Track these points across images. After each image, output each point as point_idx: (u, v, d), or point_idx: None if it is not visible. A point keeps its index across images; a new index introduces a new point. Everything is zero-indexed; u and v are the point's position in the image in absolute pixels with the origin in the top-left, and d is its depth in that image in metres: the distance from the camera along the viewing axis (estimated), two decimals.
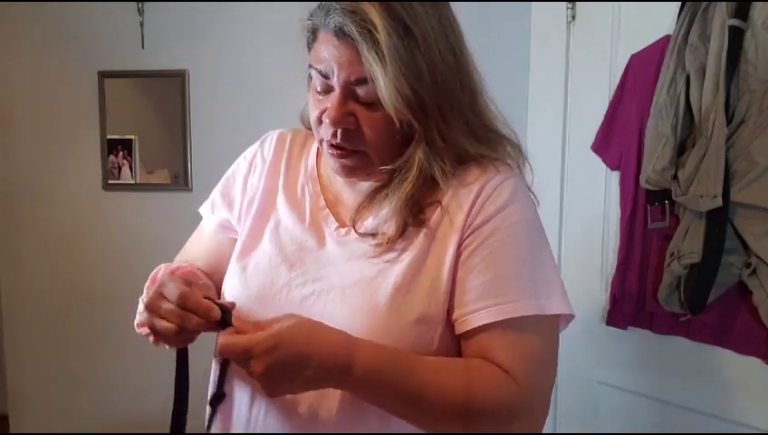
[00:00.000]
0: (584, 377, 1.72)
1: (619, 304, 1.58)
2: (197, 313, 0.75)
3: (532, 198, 0.88)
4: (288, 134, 0.98)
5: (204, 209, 1.02)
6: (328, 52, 0.77)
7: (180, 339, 0.78)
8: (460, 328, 0.80)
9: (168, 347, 0.84)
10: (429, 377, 0.76)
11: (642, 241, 1.53)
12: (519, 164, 0.89)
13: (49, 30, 2.35)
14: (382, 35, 0.73)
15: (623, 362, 1.65)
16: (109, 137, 2.36)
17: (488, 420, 0.77)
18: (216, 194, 1.00)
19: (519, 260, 0.81)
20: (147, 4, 2.28)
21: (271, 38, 2.19)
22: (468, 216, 0.81)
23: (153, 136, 2.39)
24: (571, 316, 0.84)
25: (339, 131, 0.79)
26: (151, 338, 0.83)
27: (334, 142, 0.80)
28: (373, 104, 0.78)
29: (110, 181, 2.39)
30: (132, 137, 2.36)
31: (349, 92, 0.78)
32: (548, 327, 0.81)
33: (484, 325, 0.78)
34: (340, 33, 0.75)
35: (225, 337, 0.73)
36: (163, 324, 0.76)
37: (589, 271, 1.72)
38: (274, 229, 0.90)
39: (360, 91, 0.77)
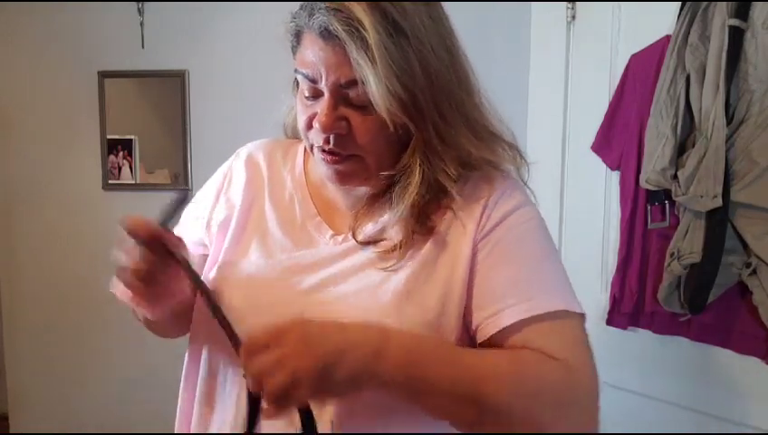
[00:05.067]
0: None
1: (618, 304, 1.58)
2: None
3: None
4: (267, 144, 0.93)
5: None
6: (314, 54, 0.73)
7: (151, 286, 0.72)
8: (487, 331, 0.75)
9: (147, 315, 0.78)
10: (475, 358, 0.71)
11: (642, 241, 1.53)
12: (518, 166, 0.85)
13: (49, 30, 2.35)
14: (371, 34, 0.68)
15: (623, 362, 1.65)
16: (109, 137, 2.36)
17: (547, 407, 0.70)
18: (186, 216, 0.92)
19: (541, 255, 0.79)
20: (147, 4, 2.27)
21: (270, 38, 2.17)
22: (480, 219, 0.78)
23: (153, 136, 2.38)
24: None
25: (331, 137, 0.75)
26: (127, 298, 0.76)
27: (327, 148, 0.76)
28: (365, 107, 0.73)
29: (110, 181, 2.38)
30: (132, 137, 2.36)
31: (339, 96, 0.74)
32: (580, 320, 0.78)
33: (516, 323, 0.73)
34: (326, 34, 0.71)
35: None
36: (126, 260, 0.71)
37: (589, 271, 1.72)
38: (261, 240, 0.85)
39: (351, 93, 0.73)
